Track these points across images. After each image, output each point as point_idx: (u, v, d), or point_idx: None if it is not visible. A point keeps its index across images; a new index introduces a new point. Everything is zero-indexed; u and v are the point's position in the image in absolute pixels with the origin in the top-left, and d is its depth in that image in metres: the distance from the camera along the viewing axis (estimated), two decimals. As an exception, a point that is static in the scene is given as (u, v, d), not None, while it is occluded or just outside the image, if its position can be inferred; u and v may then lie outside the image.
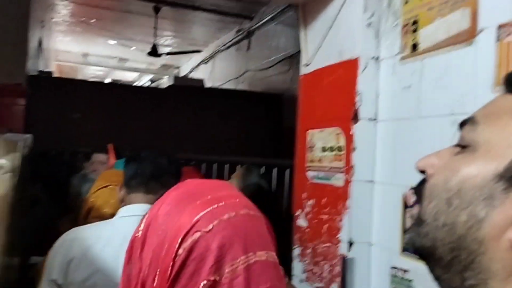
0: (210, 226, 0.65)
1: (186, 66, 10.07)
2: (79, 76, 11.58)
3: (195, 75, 9.55)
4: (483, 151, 0.46)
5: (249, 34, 6.95)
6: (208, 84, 8.01)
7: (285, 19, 5.90)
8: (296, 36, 5.43)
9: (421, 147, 1.45)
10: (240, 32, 7.15)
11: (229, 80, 7.62)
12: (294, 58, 5.60)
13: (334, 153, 1.80)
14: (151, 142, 4.62)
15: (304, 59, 2.09)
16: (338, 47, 1.83)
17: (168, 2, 6.04)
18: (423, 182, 0.51)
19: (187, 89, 6.02)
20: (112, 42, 8.01)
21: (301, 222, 2.00)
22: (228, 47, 7.73)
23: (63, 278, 1.30)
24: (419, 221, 0.50)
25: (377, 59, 1.71)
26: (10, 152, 1.61)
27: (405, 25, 1.57)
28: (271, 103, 5.52)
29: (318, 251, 1.86)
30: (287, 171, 2.98)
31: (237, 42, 7.37)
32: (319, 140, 1.90)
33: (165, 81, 11.44)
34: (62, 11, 6.67)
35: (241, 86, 7.17)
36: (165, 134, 4.92)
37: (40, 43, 5.68)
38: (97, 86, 7.39)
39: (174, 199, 0.71)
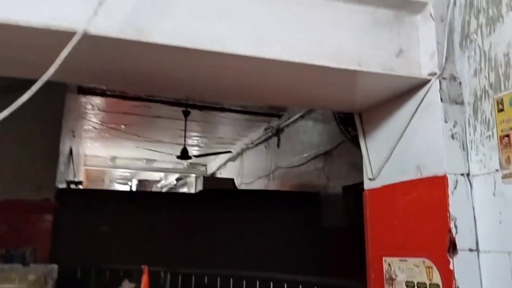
0: None
1: (214, 163, 9.99)
2: (106, 178, 11.61)
3: (223, 172, 9.40)
4: None
5: (278, 131, 6.83)
6: (237, 181, 7.79)
7: (316, 116, 5.77)
8: (329, 131, 5.27)
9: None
10: (269, 130, 7.07)
11: (260, 178, 7.40)
12: (328, 154, 5.38)
13: (423, 290, 1.46)
14: (183, 256, 4.28)
15: (368, 172, 1.82)
16: (414, 161, 1.56)
17: (198, 106, 6.06)
18: None
19: (218, 192, 5.79)
20: (140, 145, 8.04)
21: None
22: (257, 144, 7.62)
23: None
24: None
25: (467, 175, 1.43)
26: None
27: (503, 137, 1.32)
28: (307, 202, 5.21)
29: None
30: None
31: (266, 140, 7.26)
32: (402, 272, 1.57)
33: (192, 180, 11.34)
34: (93, 119, 6.76)
35: (272, 184, 6.91)
36: (198, 245, 4.59)
37: (70, 152, 5.64)
38: (125, 195, 7.22)
39: None
